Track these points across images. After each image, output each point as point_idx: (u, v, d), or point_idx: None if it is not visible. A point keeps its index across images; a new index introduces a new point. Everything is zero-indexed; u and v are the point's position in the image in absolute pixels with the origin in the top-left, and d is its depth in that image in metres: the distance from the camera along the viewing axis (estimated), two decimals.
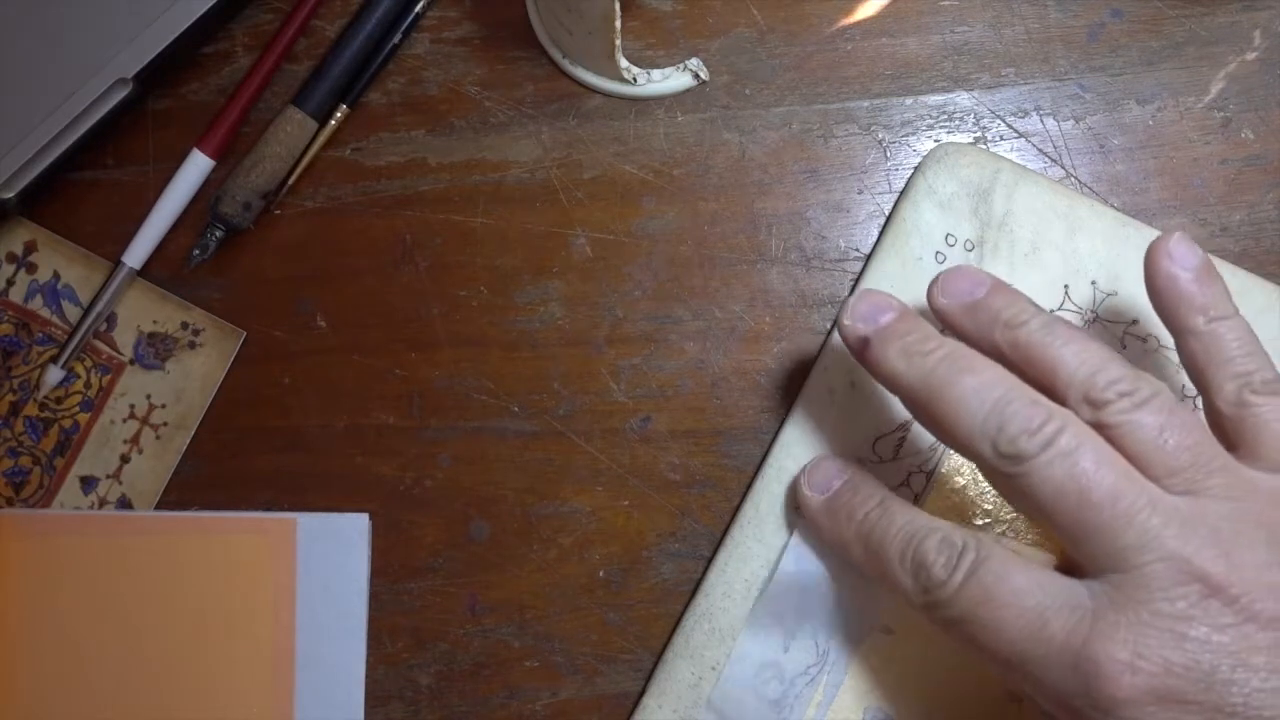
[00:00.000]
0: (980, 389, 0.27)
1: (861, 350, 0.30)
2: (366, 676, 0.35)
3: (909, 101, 0.38)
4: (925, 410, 0.28)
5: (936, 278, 0.30)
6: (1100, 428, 0.27)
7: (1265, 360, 0.28)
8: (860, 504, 0.31)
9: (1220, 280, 0.30)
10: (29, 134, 0.34)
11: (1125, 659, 0.24)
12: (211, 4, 0.35)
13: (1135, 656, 0.24)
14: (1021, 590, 0.26)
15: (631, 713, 0.34)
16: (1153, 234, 0.35)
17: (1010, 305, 0.29)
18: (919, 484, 0.34)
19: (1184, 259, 0.29)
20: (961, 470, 0.34)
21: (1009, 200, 0.35)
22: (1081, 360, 0.27)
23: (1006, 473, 0.26)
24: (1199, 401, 0.30)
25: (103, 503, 0.36)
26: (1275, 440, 0.27)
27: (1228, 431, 0.28)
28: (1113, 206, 0.37)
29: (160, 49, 0.35)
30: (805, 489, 0.32)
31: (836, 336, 0.35)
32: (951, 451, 0.34)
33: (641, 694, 0.34)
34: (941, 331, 0.30)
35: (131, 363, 0.37)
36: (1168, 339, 0.32)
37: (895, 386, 0.29)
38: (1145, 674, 0.24)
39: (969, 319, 0.29)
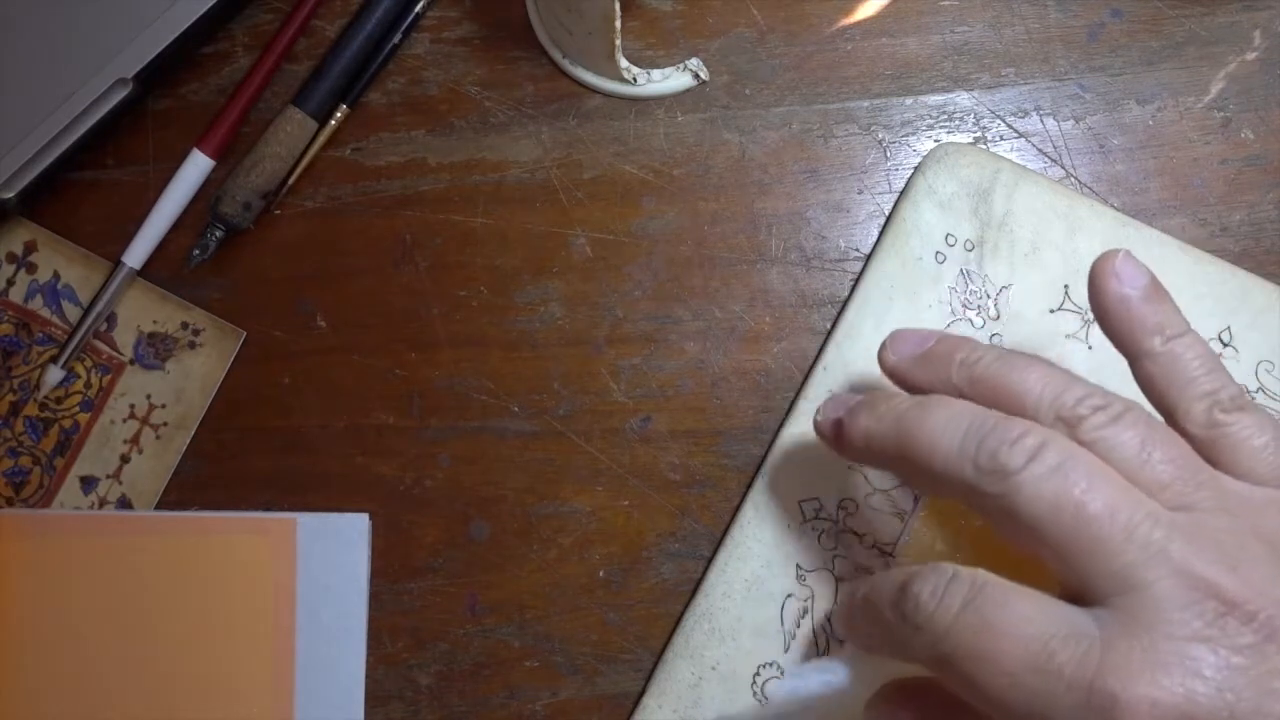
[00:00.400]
0: (954, 417, 0.26)
1: (836, 435, 0.30)
2: (366, 676, 0.35)
3: (909, 101, 0.38)
4: (903, 454, 0.27)
5: (884, 341, 0.30)
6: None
7: (1226, 375, 0.27)
8: (863, 585, 0.29)
9: (1169, 296, 0.28)
10: (29, 134, 0.34)
11: (1144, 691, 0.22)
12: (211, 4, 0.35)
13: (1154, 687, 0.22)
14: (1023, 618, 0.24)
15: (631, 713, 0.34)
16: (1153, 234, 0.35)
17: (962, 346, 0.28)
18: None
19: (1132, 279, 0.28)
20: None
21: (1009, 200, 0.35)
22: (1046, 382, 0.26)
23: (992, 493, 0.25)
24: None
25: (103, 503, 0.36)
26: (1254, 455, 0.26)
27: (1199, 453, 0.27)
28: (1113, 206, 0.37)
29: (160, 49, 0.35)
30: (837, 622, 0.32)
31: (836, 337, 0.35)
32: None
33: (641, 694, 0.34)
34: None
35: (131, 363, 0.37)
36: None
37: (872, 445, 0.28)
38: (1166, 705, 0.22)
39: (923, 369, 0.29)
